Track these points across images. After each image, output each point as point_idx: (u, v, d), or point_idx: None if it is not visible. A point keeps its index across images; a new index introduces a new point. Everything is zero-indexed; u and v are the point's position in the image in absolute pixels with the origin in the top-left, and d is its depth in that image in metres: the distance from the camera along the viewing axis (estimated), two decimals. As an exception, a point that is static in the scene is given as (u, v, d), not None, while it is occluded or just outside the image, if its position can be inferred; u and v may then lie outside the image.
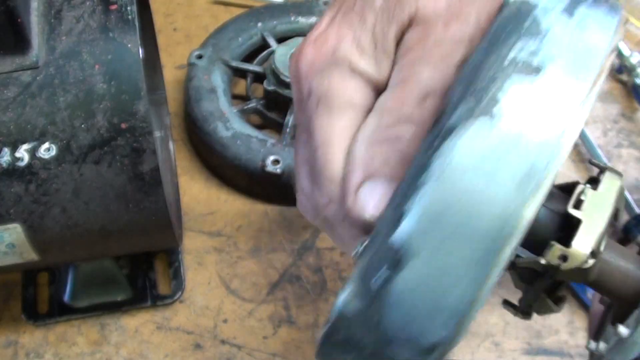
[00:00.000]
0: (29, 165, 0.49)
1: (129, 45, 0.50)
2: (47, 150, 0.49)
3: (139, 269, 0.69)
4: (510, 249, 0.29)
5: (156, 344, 0.65)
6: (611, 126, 0.80)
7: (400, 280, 0.29)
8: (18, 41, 0.49)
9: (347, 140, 0.36)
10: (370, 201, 0.34)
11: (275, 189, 0.72)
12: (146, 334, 0.66)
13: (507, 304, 0.37)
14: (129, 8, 0.51)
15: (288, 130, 0.73)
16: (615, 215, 0.34)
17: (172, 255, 0.70)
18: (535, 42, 0.30)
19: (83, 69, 0.50)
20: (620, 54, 0.82)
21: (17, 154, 0.49)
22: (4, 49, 0.49)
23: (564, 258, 0.31)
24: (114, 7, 0.51)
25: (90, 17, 0.51)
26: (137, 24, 0.51)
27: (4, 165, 0.49)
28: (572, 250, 0.31)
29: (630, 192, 0.73)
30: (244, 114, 0.76)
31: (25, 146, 0.49)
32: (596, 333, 0.40)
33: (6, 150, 0.49)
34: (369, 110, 0.36)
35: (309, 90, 0.37)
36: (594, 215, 0.31)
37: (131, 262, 0.69)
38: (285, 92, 0.74)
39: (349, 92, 0.35)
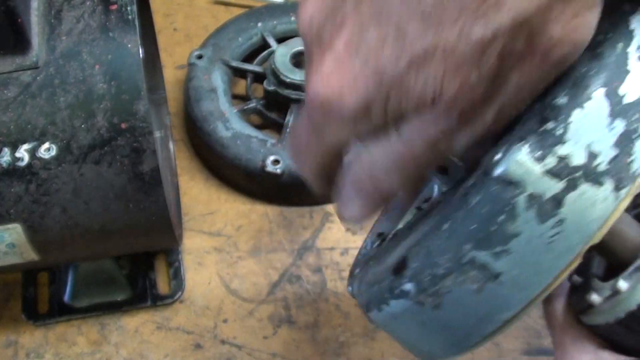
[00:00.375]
0: (29, 165, 0.49)
1: (129, 45, 0.50)
2: (47, 150, 0.49)
3: (139, 269, 0.69)
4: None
5: (156, 344, 0.65)
6: (611, 126, 0.80)
7: None
8: (18, 41, 0.49)
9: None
10: None
11: (275, 189, 0.72)
12: (146, 334, 0.66)
13: None
14: (129, 8, 0.51)
15: (288, 130, 0.73)
16: None
17: (172, 255, 0.70)
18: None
19: (83, 69, 0.50)
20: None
21: (17, 154, 0.49)
22: (4, 49, 0.49)
23: None
24: (114, 7, 0.51)
25: (90, 17, 0.51)
26: (137, 24, 0.51)
27: (4, 165, 0.49)
28: None
29: (630, 192, 0.73)
30: (244, 114, 0.76)
31: (26, 146, 0.49)
32: (582, 285, 0.40)
33: (6, 150, 0.49)
34: None
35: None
36: None
37: (131, 262, 0.69)
38: (285, 92, 0.74)
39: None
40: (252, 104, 0.76)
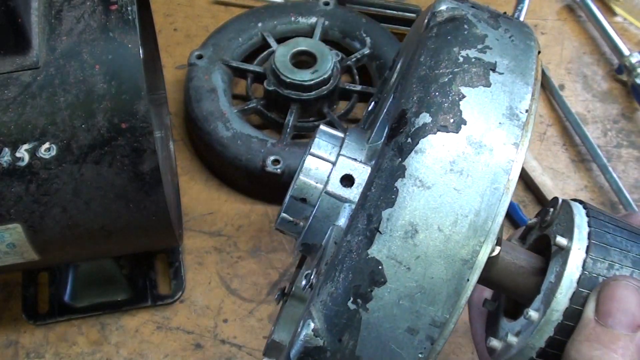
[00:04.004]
0: (29, 165, 0.49)
1: (129, 45, 0.50)
2: (48, 150, 0.49)
3: (139, 269, 0.69)
4: (483, 260, 0.30)
5: (156, 343, 0.65)
6: (611, 126, 0.80)
7: (376, 303, 0.30)
8: (18, 41, 0.49)
9: None
10: None
11: (275, 189, 0.72)
12: (146, 334, 0.66)
13: None
14: (129, 8, 0.51)
15: (288, 130, 0.73)
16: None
17: (172, 255, 0.70)
18: (480, 44, 0.32)
19: (83, 69, 0.50)
20: (620, 54, 0.82)
21: (18, 154, 0.49)
22: (4, 49, 0.49)
23: None
24: (114, 7, 0.52)
25: (90, 17, 0.51)
26: (137, 24, 0.51)
27: (5, 165, 0.49)
28: None
29: (630, 192, 0.73)
30: (244, 114, 0.76)
31: (26, 146, 0.49)
32: (487, 331, 0.42)
33: (6, 150, 0.49)
34: None
35: None
36: None
37: (131, 262, 0.69)
38: (285, 92, 0.74)
39: None
40: (252, 104, 0.76)
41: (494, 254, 0.32)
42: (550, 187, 0.74)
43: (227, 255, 0.70)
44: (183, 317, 0.67)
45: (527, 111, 0.32)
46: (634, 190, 0.75)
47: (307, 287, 0.35)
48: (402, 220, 0.30)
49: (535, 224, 0.42)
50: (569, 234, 0.36)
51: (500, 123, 0.31)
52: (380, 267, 0.30)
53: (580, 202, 0.39)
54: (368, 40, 0.80)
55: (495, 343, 0.38)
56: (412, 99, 0.32)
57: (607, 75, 0.85)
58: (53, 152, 0.49)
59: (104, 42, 0.50)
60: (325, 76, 0.74)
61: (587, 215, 0.37)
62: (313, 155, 0.38)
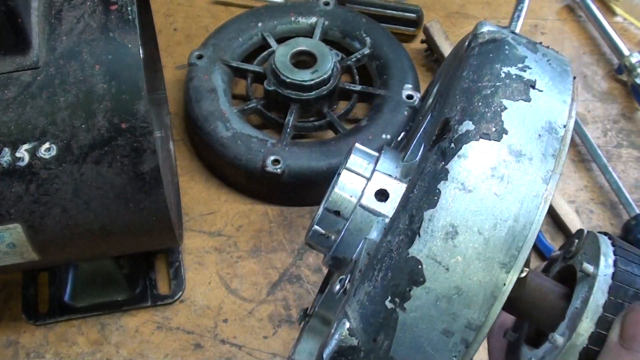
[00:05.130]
0: (29, 165, 0.49)
1: (129, 45, 0.50)
2: (48, 150, 0.49)
3: (139, 269, 0.69)
4: (520, 264, 0.30)
5: (156, 343, 0.65)
6: (611, 126, 0.80)
7: (414, 303, 0.30)
8: (18, 41, 0.49)
9: None
10: None
11: (275, 189, 0.72)
12: (146, 334, 0.66)
13: None
14: (129, 8, 0.51)
15: (288, 130, 0.73)
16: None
17: (172, 255, 0.70)
18: (521, 64, 0.34)
19: (83, 69, 0.50)
20: (620, 54, 0.82)
21: (18, 154, 0.49)
22: (4, 49, 0.49)
23: None
24: (114, 7, 0.51)
25: (90, 17, 0.51)
26: (137, 24, 0.51)
27: (5, 165, 0.49)
28: None
29: (630, 192, 0.73)
30: (244, 114, 0.76)
31: (26, 146, 0.49)
32: (509, 352, 0.42)
33: (6, 150, 0.49)
34: None
35: None
36: None
37: (131, 262, 0.69)
38: (285, 92, 0.74)
39: None
40: (252, 104, 0.76)
41: (523, 275, 0.33)
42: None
43: (227, 255, 0.70)
44: (183, 317, 0.67)
45: (564, 126, 0.33)
46: (634, 190, 0.75)
47: (340, 291, 0.35)
48: (444, 221, 0.31)
49: (559, 255, 0.43)
50: (595, 261, 0.37)
51: (539, 135, 0.32)
52: (420, 266, 0.30)
53: (605, 233, 0.40)
54: (368, 40, 0.80)
55: None
56: (455, 108, 0.33)
57: (607, 75, 0.85)
58: (53, 152, 0.49)
59: (104, 42, 0.50)
60: (325, 76, 0.74)
61: (613, 245, 0.38)
62: (348, 170, 0.38)
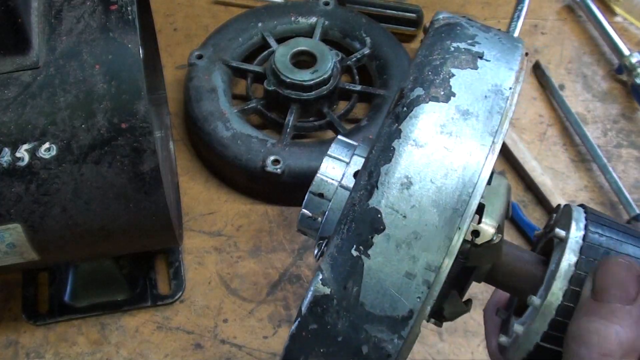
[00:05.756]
0: (29, 165, 0.49)
1: (129, 45, 0.50)
2: (48, 150, 0.49)
3: (139, 269, 0.69)
4: (472, 209, 0.33)
5: (156, 343, 0.65)
6: (611, 126, 0.80)
7: (377, 249, 0.33)
8: (18, 41, 0.49)
9: None
10: None
11: (275, 189, 0.72)
12: (146, 334, 0.66)
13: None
14: (129, 8, 0.51)
15: (288, 130, 0.73)
16: (507, 208, 0.39)
17: (172, 255, 0.70)
18: (470, 40, 0.37)
19: (83, 69, 0.50)
20: (620, 54, 0.82)
21: (18, 154, 0.49)
22: (4, 49, 0.49)
23: (476, 233, 0.36)
24: (114, 7, 0.52)
25: (90, 17, 0.51)
26: (137, 24, 0.51)
27: (5, 165, 0.49)
28: (482, 226, 0.36)
29: (630, 192, 0.73)
30: (244, 114, 0.76)
31: (26, 146, 0.49)
32: (502, 328, 0.44)
33: (6, 150, 0.49)
34: None
35: None
36: (494, 201, 0.37)
37: (131, 262, 0.69)
38: (286, 92, 0.74)
39: None
40: (252, 104, 0.76)
41: (496, 240, 0.36)
42: (550, 187, 0.74)
43: (227, 255, 0.70)
44: (183, 317, 0.67)
45: (510, 88, 0.35)
46: (634, 190, 0.75)
47: (318, 254, 0.38)
48: (398, 173, 0.33)
49: (542, 233, 0.44)
50: (567, 227, 0.39)
51: (486, 96, 0.35)
52: (379, 215, 0.33)
53: (581, 205, 0.41)
54: (368, 40, 0.80)
55: (504, 339, 0.41)
56: (408, 80, 0.36)
57: (607, 75, 0.85)
58: (53, 152, 0.49)
59: (104, 42, 0.50)
60: (325, 76, 0.74)
61: (585, 212, 0.40)
62: (330, 156, 0.41)
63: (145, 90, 0.50)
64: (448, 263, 0.33)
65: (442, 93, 0.35)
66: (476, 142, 0.34)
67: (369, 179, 0.34)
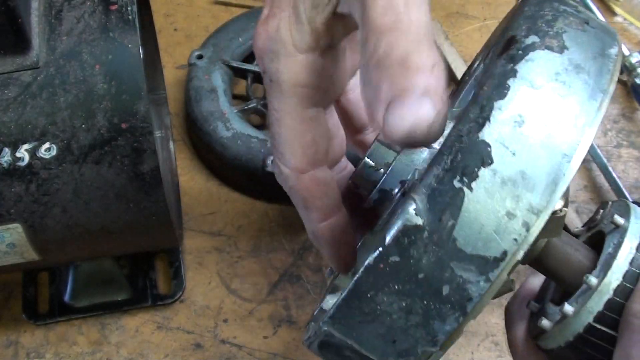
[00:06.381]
0: (29, 165, 0.49)
1: (129, 46, 0.50)
2: (48, 150, 0.49)
3: (139, 269, 0.69)
4: (580, 158, 0.33)
5: (156, 343, 0.65)
6: (611, 126, 0.80)
7: (481, 183, 0.32)
8: (18, 41, 0.49)
9: (296, 121, 0.37)
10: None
11: (275, 189, 0.72)
12: (146, 334, 0.66)
13: None
14: (129, 8, 0.51)
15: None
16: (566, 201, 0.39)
17: (172, 255, 0.70)
18: (574, 9, 0.37)
19: (83, 69, 0.50)
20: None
21: (18, 154, 0.49)
22: (4, 49, 0.49)
23: None
24: (114, 7, 0.52)
25: (90, 17, 0.51)
26: (137, 24, 0.51)
27: (5, 165, 0.49)
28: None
29: (630, 192, 0.73)
30: (244, 114, 0.76)
31: (26, 146, 0.49)
32: (531, 332, 0.43)
33: (7, 150, 0.49)
34: (316, 85, 0.37)
35: (263, 70, 0.38)
36: None
37: (131, 262, 0.69)
38: (286, 92, 0.74)
39: (294, 72, 0.36)
40: (252, 104, 0.76)
41: (562, 213, 0.35)
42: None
43: (227, 255, 0.70)
44: (183, 317, 0.67)
45: (616, 56, 0.36)
46: (634, 190, 0.75)
47: (399, 193, 0.36)
48: (513, 111, 0.33)
49: (581, 231, 0.44)
50: (626, 215, 0.40)
51: (595, 57, 0.35)
52: (489, 148, 0.32)
53: (635, 202, 0.42)
54: (368, 40, 0.80)
55: (545, 322, 0.40)
56: (521, 28, 0.36)
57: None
58: (53, 152, 0.49)
59: (104, 42, 0.50)
60: (325, 76, 0.74)
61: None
62: None
63: (146, 90, 0.50)
64: (550, 209, 0.32)
65: (556, 44, 0.35)
66: (587, 96, 0.34)
67: (480, 112, 0.33)
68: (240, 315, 0.67)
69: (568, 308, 0.38)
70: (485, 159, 0.32)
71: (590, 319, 0.37)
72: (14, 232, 0.51)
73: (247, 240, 0.71)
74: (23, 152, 0.49)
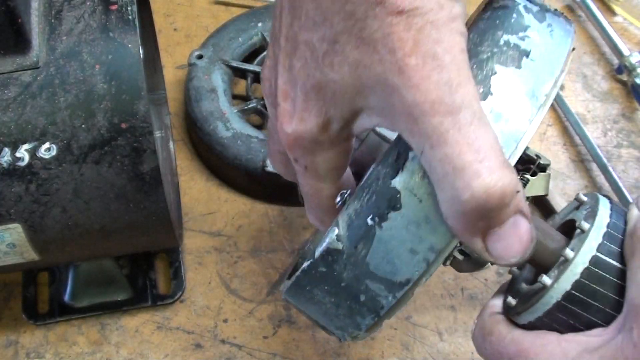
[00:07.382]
0: (29, 165, 0.49)
1: (129, 45, 0.50)
2: (48, 150, 0.49)
3: (139, 269, 0.69)
4: None
5: (156, 343, 0.65)
6: (611, 126, 0.80)
7: (390, 224, 0.36)
8: (18, 41, 0.49)
9: (332, 191, 0.42)
10: None
11: (275, 189, 0.72)
12: (146, 334, 0.66)
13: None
14: (129, 8, 0.52)
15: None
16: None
17: (172, 255, 0.70)
18: (522, 33, 0.38)
19: (83, 69, 0.50)
20: (620, 54, 0.82)
21: (18, 154, 0.49)
22: (4, 49, 0.49)
23: (535, 162, 0.41)
24: (114, 7, 0.52)
25: (90, 17, 0.51)
26: (137, 24, 0.51)
27: (5, 165, 0.49)
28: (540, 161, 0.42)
29: (630, 192, 0.73)
30: (244, 114, 0.76)
31: (26, 146, 0.49)
32: (507, 291, 0.46)
33: (6, 150, 0.49)
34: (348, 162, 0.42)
35: (295, 159, 0.41)
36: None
37: (131, 262, 0.69)
38: (286, 92, 0.74)
39: (330, 160, 0.41)
40: (252, 104, 0.76)
41: (549, 172, 0.41)
42: (550, 187, 0.74)
43: (227, 255, 0.70)
44: (183, 317, 0.67)
45: (546, 95, 0.37)
46: (634, 190, 0.75)
47: (340, 203, 0.42)
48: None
49: (558, 220, 0.46)
50: (596, 206, 0.41)
51: (520, 100, 0.36)
52: (398, 195, 0.36)
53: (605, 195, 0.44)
54: (368, 40, 0.80)
55: (511, 299, 0.42)
56: None
57: (607, 75, 0.85)
58: (53, 152, 0.49)
59: (104, 42, 0.50)
60: (325, 76, 0.74)
61: (610, 203, 0.42)
62: None
63: (146, 90, 0.50)
64: (448, 249, 0.36)
65: (481, 91, 0.36)
66: (502, 146, 0.36)
67: (397, 159, 0.37)
68: (240, 315, 0.67)
69: (546, 279, 0.40)
70: (395, 204, 0.36)
71: (568, 286, 0.39)
72: (14, 232, 0.51)
73: (247, 240, 0.71)
74: (23, 152, 0.49)
